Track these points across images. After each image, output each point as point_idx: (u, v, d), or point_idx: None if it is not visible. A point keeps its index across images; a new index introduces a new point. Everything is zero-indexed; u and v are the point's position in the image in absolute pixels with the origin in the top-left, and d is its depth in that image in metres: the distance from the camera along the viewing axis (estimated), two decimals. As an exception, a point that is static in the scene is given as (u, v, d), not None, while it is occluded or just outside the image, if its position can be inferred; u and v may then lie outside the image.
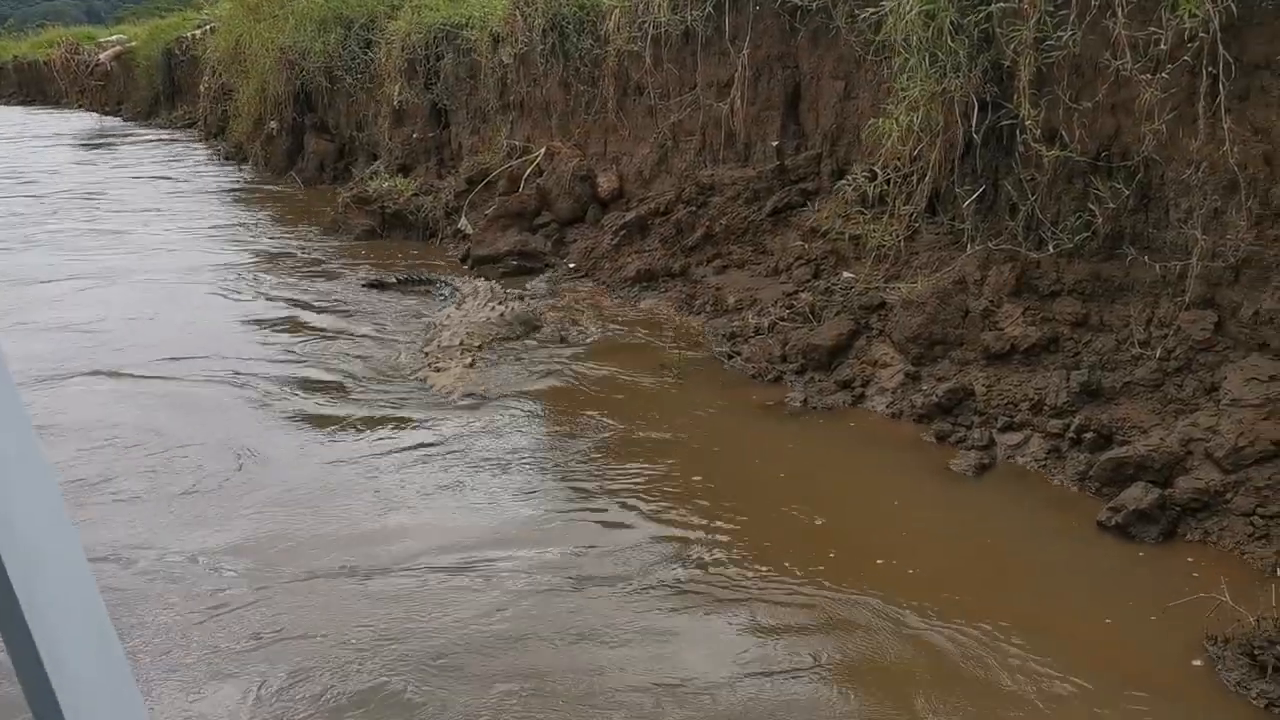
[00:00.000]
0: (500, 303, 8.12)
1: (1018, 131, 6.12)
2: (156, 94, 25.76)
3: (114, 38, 30.49)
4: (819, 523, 5.02)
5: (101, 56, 29.14)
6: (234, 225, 12.75)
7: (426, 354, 7.22)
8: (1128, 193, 5.60)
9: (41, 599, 0.75)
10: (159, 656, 4.05)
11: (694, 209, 8.92)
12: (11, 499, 0.75)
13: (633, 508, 5.17)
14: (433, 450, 5.84)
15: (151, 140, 21.66)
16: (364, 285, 9.49)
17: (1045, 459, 5.39)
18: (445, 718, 3.67)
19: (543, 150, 10.81)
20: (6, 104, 35.34)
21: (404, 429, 6.15)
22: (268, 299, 9.22)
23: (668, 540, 4.87)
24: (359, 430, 6.14)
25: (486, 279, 9.04)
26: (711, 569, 4.56)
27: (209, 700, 3.80)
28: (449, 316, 7.91)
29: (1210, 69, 5.01)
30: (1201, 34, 4.96)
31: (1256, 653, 3.70)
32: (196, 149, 19.78)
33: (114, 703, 0.78)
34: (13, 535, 0.74)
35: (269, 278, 9.96)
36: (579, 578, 4.54)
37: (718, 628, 4.19)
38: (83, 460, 5.81)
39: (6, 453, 0.75)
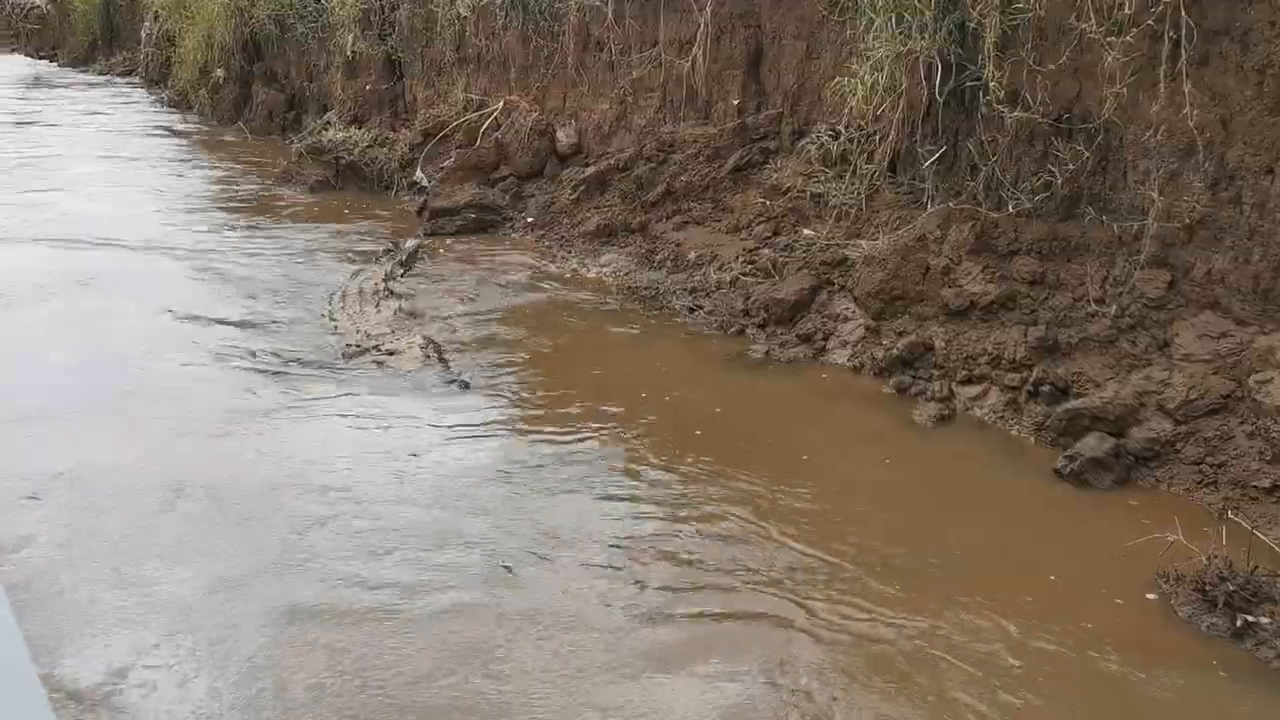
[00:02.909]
0: (380, 301, 7.49)
1: (980, 93, 6.23)
2: (94, 39, 25.07)
3: (49, -20, 29.55)
4: (770, 453, 5.20)
5: (38, -1, 28.30)
6: (180, 167, 12.50)
7: (365, 339, 6.77)
8: (1087, 154, 5.74)
9: None
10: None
11: (654, 165, 8.94)
12: None
13: (589, 438, 5.34)
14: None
15: (90, 85, 21.07)
16: (389, 242, 9.16)
17: (1003, 411, 5.55)
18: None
19: (501, 104, 10.74)
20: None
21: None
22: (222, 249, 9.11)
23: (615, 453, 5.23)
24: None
25: (368, 275, 8.22)
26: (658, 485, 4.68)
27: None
28: (339, 328, 7.05)
29: (1172, 34, 5.15)
30: (1165, -1, 5.10)
31: (1207, 589, 3.88)
32: (137, 96, 19.30)
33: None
34: None
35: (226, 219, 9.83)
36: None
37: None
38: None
39: None
